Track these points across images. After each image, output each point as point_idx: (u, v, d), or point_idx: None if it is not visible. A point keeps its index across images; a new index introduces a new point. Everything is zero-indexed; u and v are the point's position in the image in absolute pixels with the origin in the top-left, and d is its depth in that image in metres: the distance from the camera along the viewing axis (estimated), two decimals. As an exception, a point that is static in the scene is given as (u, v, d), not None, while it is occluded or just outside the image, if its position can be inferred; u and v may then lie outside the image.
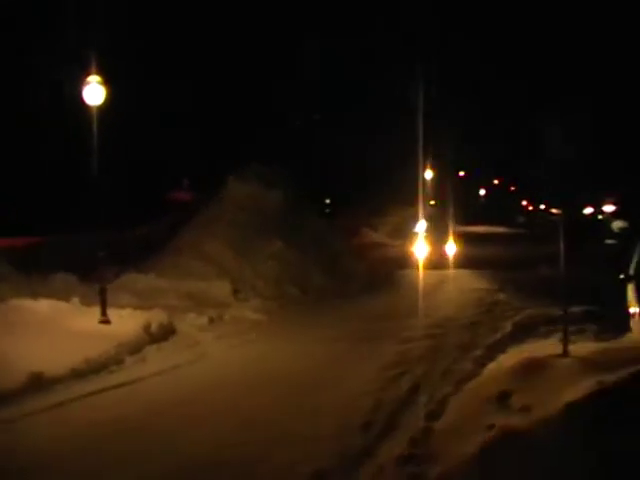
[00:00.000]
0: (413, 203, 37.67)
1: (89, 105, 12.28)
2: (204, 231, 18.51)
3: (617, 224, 37.85)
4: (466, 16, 42.63)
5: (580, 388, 6.01)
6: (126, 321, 12.11)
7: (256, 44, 33.30)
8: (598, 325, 11.29)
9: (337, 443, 6.94)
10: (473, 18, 41.86)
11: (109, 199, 13.88)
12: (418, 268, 18.95)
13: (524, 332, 11.76)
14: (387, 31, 38.97)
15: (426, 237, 25.46)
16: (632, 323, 10.11)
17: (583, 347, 9.03)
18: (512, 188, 78.80)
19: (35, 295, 12.89)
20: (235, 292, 16.23)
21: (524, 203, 74.12)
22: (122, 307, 13.04)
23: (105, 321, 12.09)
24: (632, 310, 10.39)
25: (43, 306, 12.11)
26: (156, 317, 12.52)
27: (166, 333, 12.25)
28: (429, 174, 33.43)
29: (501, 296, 16.51)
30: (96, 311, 12.23)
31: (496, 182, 77.52)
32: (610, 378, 6.18)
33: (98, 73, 12.22)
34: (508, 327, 12.38)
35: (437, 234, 28.53)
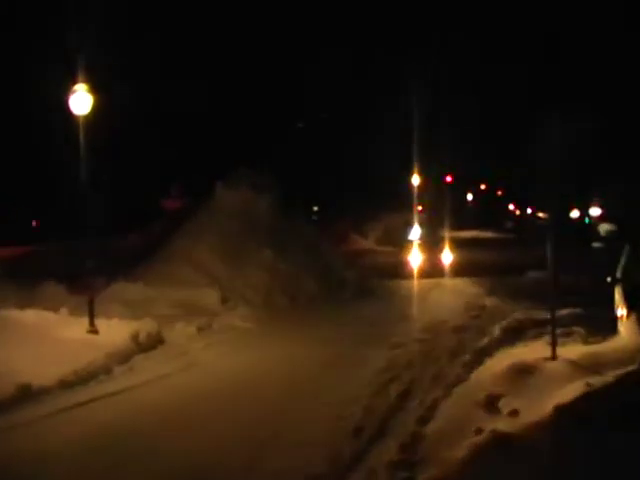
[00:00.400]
0: (401, 209, 37.80)
1: (76, 114, 12.24)
2: (193, 239, 18.46)
3: (604, 227, 38.10)
4: (460, 15, 42.79)
5: (569, 391, 6.05)
6: (114, 331, 12.05)
7: (248, 48, 33.36)
8: (586, 328, 11.34)
9: (328, 449, 6.93)
10: (466, 17, 41.92)
11: (98, 208, 13.84)
12: (412, 277, 19.16)
13: (512, 336, 11.79)
14: (378, 34, 39.07)
15: (420, 244, 25.44)
16: (620, 325, 10.18)
17: (571, 350, 9.09)
18: (499, 193, 79.13)
19: (23, 305, 12.81)
20: (224, 300, 16.18)
21: (511, 208, 74.44)
22: (111, 317, 12.96)
23: (93, 331, 12.03)
24: (619, 312, 10.46)
25: (31, 316, 12.04)
26: (145, 326, 12.47)
27: (155, 342, 12.20)
28: (416, 180, 33.46)
29: (489, 300, 16.55)
30: (84, 321, 12.16)
31: (483, 187, 77.76)
32: (598, 380, 6.22)
33: (85, 81, 12.19)
34: (496, 331, 12.41)
35: (431, 241, 28.57)
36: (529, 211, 68.85)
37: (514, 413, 6.27)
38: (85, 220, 12.96)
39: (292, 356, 11.74)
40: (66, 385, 9.49)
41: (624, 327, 9.79)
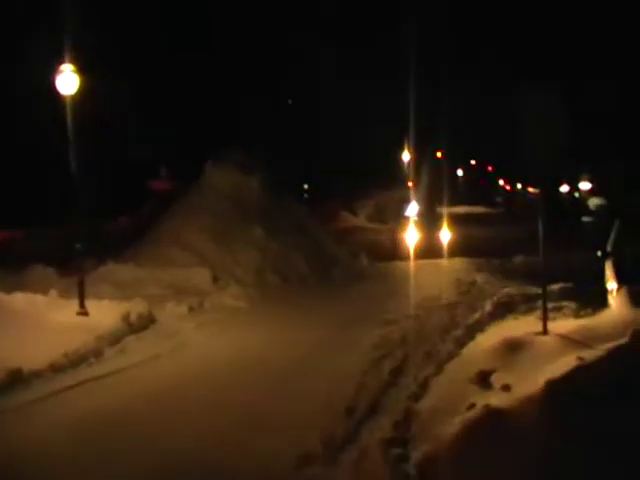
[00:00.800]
0: (392, 186, 37.72)
1: (63, 94, 12.12)
2: (183, 219, 18.37)
3: (593, 202, 38.11)
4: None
5: (560, 365, 6.04)
6: (105, 312, 11.99)
7: (235, 24, 33.05)
8: (577, 302, 11.36)
9: (320, 429, 6.92)
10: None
11: (86, 190, 13.72)
12: (407, 258, 18.35)
13: (503, 311, 11.81)
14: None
15: (416, 222, 25.07)
16: (610, 299, 10.20)
17: (562, 324, 9.11)
18: (489, 168, 79.08)
19: (11, 289, 12.71)
20: (215, 280, 16.13)
21: (501, 183, 74.45)
22: (101, 298, 12.91)
23: (83, 313, 11.97)
24: (610, 286, 10.48)
25: (19, 300, 11.95)
26: (135, 307, 12.42)
27: (146, 323, 12.15)
28: (407, 156, 33.36)
29: (480, 276, 16.58)
30: (74, 303, 12.10)
31: (473, 162, 77.71)
32: (590, 354, 6.21)
33: (72, 61, 12.05)
34: (488, 306, 12.43)
35: (427, 218, 28.07)
36: (519, 186, 68.89)
37: (506, 388, 6.27)
38: (74, 202, 12.85)
39: (284, 335, 11.72)
40: (57, 368, 9.43)
41: (615, 301, 9.80)
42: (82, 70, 12.17)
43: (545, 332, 8.70)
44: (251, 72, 34.11)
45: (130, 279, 15.28)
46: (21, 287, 13.29)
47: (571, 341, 7.74)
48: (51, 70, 12.26)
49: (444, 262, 19.00)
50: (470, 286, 15.52)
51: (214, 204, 19.00)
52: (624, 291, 9.48)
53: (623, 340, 6.18)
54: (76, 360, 9.81)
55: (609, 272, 10.69)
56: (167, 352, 10.57)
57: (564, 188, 43.29)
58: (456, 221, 31.44)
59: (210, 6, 32.56)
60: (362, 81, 38.81)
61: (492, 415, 5.33)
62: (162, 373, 9.48)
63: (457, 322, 11.51)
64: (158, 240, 17.75)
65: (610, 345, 6.17)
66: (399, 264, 19.40)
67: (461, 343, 9.60)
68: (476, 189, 66.12)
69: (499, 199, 62.67)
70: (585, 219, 34.74)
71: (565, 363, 6.04)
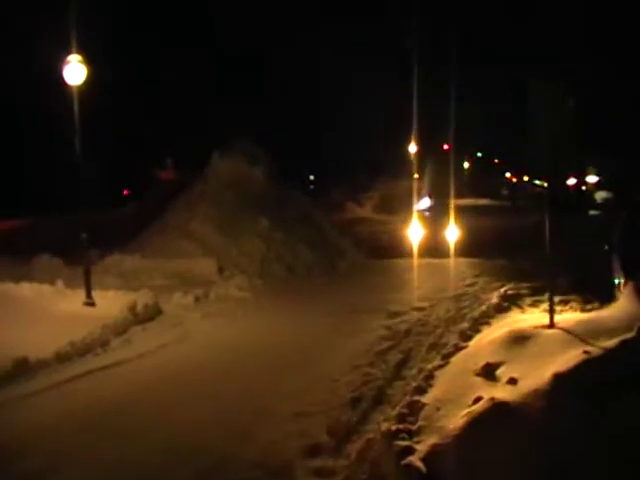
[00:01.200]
0: (398, 177, 37.65)
1: (70, 85, 12.12)
2: (189, 210, 18.40)
3: (601, 195, 38.05)
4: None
5: (567, 359, 6.02)
6: (111, 302, 12.03)
7: (243, 15, 33.03)
8: (583, 295, 11.32)
9: (325, 419, 6.95)
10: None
11: (92, 180, 13.75)
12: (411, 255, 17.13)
13: (510, 304, 11.78)
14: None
15: (425, 216, 24.25)
16: (617, 293, 10.16)
17: (569, 318, 9.06)
18: (496, 161, 78.89)
19: (18, 279, 12.76)
20: (220, 270, 16.16)
21: (508, 175, 74.25)
22: (107, 288, 12.96)
23: (90, 303, 12.02)
24: (617, 280, 10.44)
25: (26, 290, 12.00)
26: (141, 297, 12.45)
27: (152, 313, 12.18)
28: (413, 148, 33.27)
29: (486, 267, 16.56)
30: (81, 293, 12.15)
31: (480, 155, 77.52)
32: (596, 348, 6.20)
33: (79, 52, 12.06)
34: (493, 299, 12.40)
35: (437, 212, 27.46)
36: (525, 179, 68.72)
37: (512, 381, 6.25)
38: (79, 192, 12.87)
39: (289, 326, 11.72)
40: (63, 358, 9.47)
41: (622, 295, 9.76)
42: (89, 61, 12.18)
43: (551, 325, 8.66)
44: (254, 62, 34.09)
45: (136, 269, 15.32)
46: (28, 277, 13.36)
47: (577, 335, 7.69)
48: (58, 60, 12.29)
49: (449, 262, 17.30)
50: (476, 278, 15.50)
51: (220, 194, 19.01)
52: (631, 285, 9.44)
53: (630, 334, 6.16)
54: (82, 350, 9.85)
55: (616, 265, 10.65)
56: (173, 342, 10.60)
57: (571, 181, 43.18)
58: (462, 213, 31.41)
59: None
60: (368, 72, 38.76)
61: (498, 408, 5.32)
62: (167, 364, 9.49)
63: (463, 314, 11.50)
64: (164, 230, 17.78)
65: (617, 339, 6.15)
66: (398, 263, 18.52)
67: (467, 335, 9.58)
68: (482, 181, 65.92)
69: (505, 192, 62.54)
70: (592, 212, 34.70)
71: (571, 357, 6.02)
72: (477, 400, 5.72)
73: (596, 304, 10.51)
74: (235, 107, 32.65)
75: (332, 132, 39.96)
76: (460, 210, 33.07)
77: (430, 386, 7.32)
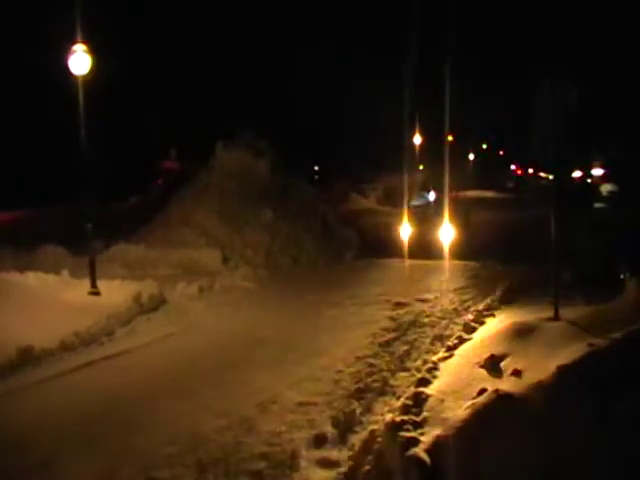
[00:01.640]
0: (402, 169, 37.55)
1: (75, 75, 12.11)
2: (193, 201, 18.41)
3: (606, 188, 37.90)
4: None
5: (571, 351, 6.01)
6: (116, 292, 12.06)
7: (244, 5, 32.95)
8: (588, 288, 11.30)
9: (329, 410, 6.96)
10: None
11: (97, 170, 13.75)
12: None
13: (514, 296, 11.77)
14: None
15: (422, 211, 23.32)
16: (623, 285, 10.14)
17: (573, 310, 9.05)
18: (501, 152, 78.74)
19: (23, 268, 12.79)
20: (225, 261, 16.17)
21: (513, 168, 74.10)
22: (112, 278, 12.97)
23: (95, 293, 12.04)
24: (622, 272, 10.43)
25: (31, 279, 12.03)
26: (146, 287, 12.47)
27: (156, 303, 12.21)
28: (418, 139, 33.21)
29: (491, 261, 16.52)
30: (86, 283, 12.17)
31: (485, 147, 77.36)
32: (601, 340, 6.19)
33: (84, 42, 12.04)
34: (498, 292, 12.39)
35: (436, 207, 26.20)
36: (530, 171, 68.57)
37: (517, 373, 6.25)
38: (84, 182, 12.87)
39: (293, 317, 11.72)
40: (68, 347, 9.51)
41: (627, 287, 9.75)
42: (94, 51, 12.17)
43: (556, 318, 8.66)
44: (260, 56, 34.02)
45: (141, 259, 15.34)
46: (33, 266, 13.38)
47: (582, 327, 7.69)
48: (64, 50, 12.28)
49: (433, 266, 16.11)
50: (481, 270, 15.49)
51: (224, 185, 19.01)
52: (636, 278, 9.43)
53: (635, 326, 6.16)
54: (87, 339, 9.89)
55: (622, 258, 10.64)
56: (177, 333, 10.62)
57: (576, 174, 43.03)
58: (466, 206, 31.33)
59: None
60: (373, 62, 38.65)
61: (502, 400, 5.32)
62: (171, 354, 9.51)
63: (467, 307, 11.51)
64: (168, 221, 17.80)
65: (622, 332, 6.14)
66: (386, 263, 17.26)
67: (471, 327, 9.58)
68: (487, 173, 65.76)
69: (510, 184, 62.38)
70: (597, 205, 34.59)
71: (576, 349, 6.01)
72: (481, 392, 5.72)
73: (601, 296, 10.49)
74: (239, 98, 32.63)
75: (337, 123, 39.90)
76: (464, 203, 33.07)
77: (434, 377, 7.32)
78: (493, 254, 16.68)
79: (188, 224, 17.43)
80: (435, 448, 5.20)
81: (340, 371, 8.29)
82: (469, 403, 5.54)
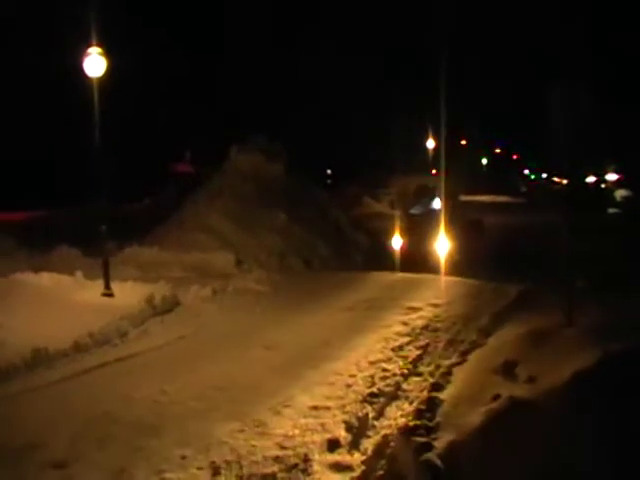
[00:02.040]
0: (415, 173, 37.53)
1: (90, 77, 12.18)
2: (207, 203, 18.47)
3: (620, 193, 37.71)
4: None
5: (586, 357, 5.98)
6: (129, 294, 12.10)
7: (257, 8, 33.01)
8: (603, 294, 11.25)
9: (343, 413, 6.95)
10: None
11: (111, 172, 13.79)
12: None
13: (528, 302, 11.73)
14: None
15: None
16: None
17: (588, 316, 9.00)
18: (514, 157, 78.55)
19: (38, 269, 12.86)
20: (238, 263, 16.21)
21: (526, 172, 73.91)
22: (126, 280, 13.02)
23: (108, 294, 12.09)
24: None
25: (45, 280, 12.09)
26: (160, 289, 12.51)
27: (170, 305, 12.24)
28: (431, 143, 33.17)
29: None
30: (99, 284, 12.22)
31: (498, 151, 77.17)
32: (615, 346, 6.16)
33: (99, 44, 12.11)
34: (512, 296, 12.35)
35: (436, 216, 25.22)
36: (544, 176, 68.38)
37: (531, 379, 6.24)
38: (98, 184, 12.92)
39: (306, 320, 11.71)
40: (81, 348, 9.54)
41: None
42: (109, 53, 12.24)
43: (570, 324, 8.63)
44: (273, 60, 34.07)
45: (154, 261, 15.40)
46: (47, 267, 13.44)
47: (597, 333, 7.66)
48: (79, 53, 12.35)
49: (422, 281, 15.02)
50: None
51: (238, 189, 19.07)
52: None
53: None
54: (101, 340, 9.92)
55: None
56: (190, 335, 10.63)
57: (590, 179, 42.87)
58: (477, 210, 31.27)
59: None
60: (387, 66, 38.65)
61: (517, 406, 5.31)
62: (184, 356, 9.50)
63: (481, 311, 11.47)
64: (182, 223, 17.86)
65: (636, 337, 6.12)
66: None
67: (485, 332, 9.56)
68: (500, 178, 65.64)
69: (524, 188, 62.22)
70: (611, 210, 34.44)
71: (590, 355, 5.99)
72: (496, 397, 5.71)
73: (616, 302, 10.44)
74: (252, 102, 32.69)
75: (349, 127, 39.90)
76: (475, 208, 32.99)
77: (448, 382, 7.31)
78: (503, 264, 16.06)
79: (202, 227, 17.48)
80: (449, 453, 5.19)
81: (353, 375, 8.27)
82: (483, 409, 5.52)
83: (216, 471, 5.78)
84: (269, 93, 33.68)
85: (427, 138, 33.92)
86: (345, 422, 6.71)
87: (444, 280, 14.46)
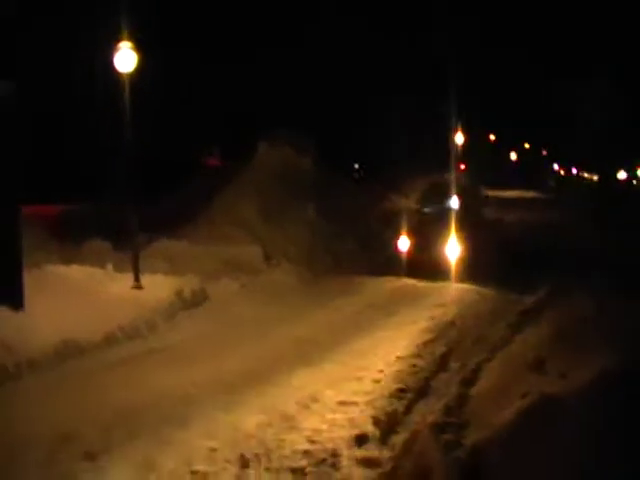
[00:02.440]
0: (443, 169, 37.30)
1: (120, 72, 12.26)
2: (237, 197, 18.52)
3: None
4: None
5: (618, 352, 5.92)
6: (159, 287, 12.19)
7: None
8: (631, 288, 11.12)
9: (370, 409, 6.95)
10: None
11: (140, 166, 13.88)
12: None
13: (557, 297, 11.62)
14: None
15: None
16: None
17: (618, 310, 8.91)
18: (544, 152, 77.76)
19: (69, 262, 13.00)
20: (267, 258, 16.24)
21: (556, 167, 73.17)
22: (155, 273, 13.11)
23: (138, 287, 12.18)
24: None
25: (77, 272, 12.21)
26: (189, 283, 12.59)
27: (199, 298, 12.32)
28: (460, 138, 32.91)
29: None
30: (129, 277, 12.32)
31: (527, 146, 76.47)
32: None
33: (129, 39, 12.18)
34: (541, 292, 12.24)
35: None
36: (574, 171, 67.70)
37: (561, 375, 6.18)
38: (127, 178, 13.01)
39: (334, 315, 11.75)
40: (112, 340, 9.65)
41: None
42: (138, 47, 12.29)
43: (599, 318, 8.54)
44: (303, 52, 33.98)
45: (183, 255, 15.46)
46: (78, 260, 13.58)
47: (628, 328, 7.57)
48: (109, 48, 12.43)
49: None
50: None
51: (267, 183, 19.11)
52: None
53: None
54: (131, 333, 10.02)
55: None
56: (219, 329, 10.69)
57: (621, 175, 42.38)
58: (503, 205, 31.00)
59: None
60: (418, 61, 38.44)
61: (547, 403, 5.25)
62: (213, 349, 9.54)
63: (509, 307, 11.39)
64: (211, 217, 17.93)
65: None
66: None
67: (514, 329, 9.49)
68: (529, 173, 65.04)
69: (552, 182, 61.61)
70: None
71: (622, 350, 5.93)
72: (525, 394, 5.66)
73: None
74: (280, 95, 32.66)
75: (378, 121, 39.73)
76: (500, 202, 32.69)
77: (477, 378, 7.27)
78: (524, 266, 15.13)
79: (231, 221, 17.54)
80: (478, 451, 5.15)
81: (381, 370, 8.27)
82: (513, 405, 5.48)
83: (244, 464, 5.81)
84: (297, 86, 33.65)
85: (456, 133, 33.68)
86: (373, 417, 6.70)
87: (454, 288, 13.44)
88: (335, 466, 5.74)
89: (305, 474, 5.62)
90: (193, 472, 5.67)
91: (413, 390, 7.43)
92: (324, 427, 6.57)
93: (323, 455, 5.94)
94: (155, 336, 10.19)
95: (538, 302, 11.21)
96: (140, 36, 12.60)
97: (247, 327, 10.85)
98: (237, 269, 14.80)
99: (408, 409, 6.94)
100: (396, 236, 15.70)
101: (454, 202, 15.36)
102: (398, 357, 8.77)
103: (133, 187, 13.03)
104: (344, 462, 5.80)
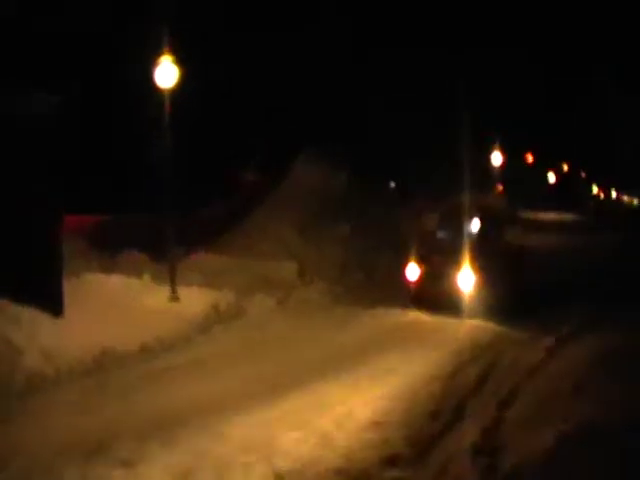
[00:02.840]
0: (480, 189, 37.04)
1: (160, 87, 12.37)
2: (273, 212, 18.61)
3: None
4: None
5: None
6: (195, 299, 12.27)
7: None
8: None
9: (406, 429, 6.89)
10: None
11: (177, 179, 14.01)
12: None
13: (598, 320, 11.43)
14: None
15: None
16: None
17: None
18: (583, 174, 76.88)
19: (107, 271, 13.15)
20: (301, 274, 16.26)
21: (595, 190, 72.32)
22: (191, 285, 13.20)
23: (175, 299, 12.28)
24: None
25: (115, 282, 12.37)
26: (225, 297, 12.66)
27: (234, 313, 12.37)
28: (498, 158, 32.56)
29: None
30: (166, 289, 12.42)
31: (566, 168, 75.68)
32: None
33: (170, 53, 12.29)
34: (565, 330, 11.96)
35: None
36: (614, 194, 66.88)
37: (601, 400, 6.07)
38: (166, 191, 13.09)
39: (369, 334, 11.68)
40: (149, 351, 9.72)
41: None
42: (179, 62, 12.39)
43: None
44: (341, 72, 34.06)
45: (219, 268, 15.55)
46: (115, 269, 13.75)
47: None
48: (149, 62, 12.53)
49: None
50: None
51: (303, 199, 19.19)
52: None
53: None
54: (167, 344, 10.09)
55: None
56: (254, 343, 10.70)
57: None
58: (538, 229, 30.56)
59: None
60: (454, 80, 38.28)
61: (587, 427, 5.17)
62: (248, 364, 9.53)
63: (548, 330, 11.21)
64: (248, 232, 18.04)
65: None
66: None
67: (552, 352, 9.36)
68: (567, 194, 64.29)
69: (591, 203, 60.87)
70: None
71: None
72: (565, 419, 5.57)
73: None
74: (316, 111, 32.77)
75: (415, 139, 39.63)
76: (538, 226, 32.21)
77: (514, 401, 7.17)
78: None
79: (266, 236, 17.61)
80: (515, 475, 5.08)
81: (416, 389, 8.21)
82: (551, 430, 5.39)
83: (278, 479, 5.80)
84: (334, 102, 33.75)
85: (493, 153, 33.40)
86: (408, 437, 6.65)
87: (467, 325, 12.04)
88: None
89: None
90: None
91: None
92: (358, 445, 6.53)
93: (357, 474, 5.92)
94: (191, 348, 10.23)
95: (559, 341, 10.22)
96: (180, 50, 12.70)
97: (282, 343, 10.84)
98: (271, 284, 14.83)
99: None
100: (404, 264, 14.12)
101: (474, 225, 13.39)
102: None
103: (171, 200, 13.15)
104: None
